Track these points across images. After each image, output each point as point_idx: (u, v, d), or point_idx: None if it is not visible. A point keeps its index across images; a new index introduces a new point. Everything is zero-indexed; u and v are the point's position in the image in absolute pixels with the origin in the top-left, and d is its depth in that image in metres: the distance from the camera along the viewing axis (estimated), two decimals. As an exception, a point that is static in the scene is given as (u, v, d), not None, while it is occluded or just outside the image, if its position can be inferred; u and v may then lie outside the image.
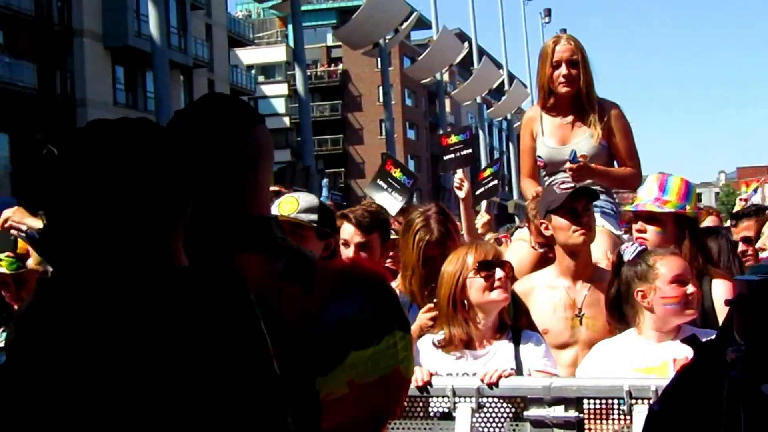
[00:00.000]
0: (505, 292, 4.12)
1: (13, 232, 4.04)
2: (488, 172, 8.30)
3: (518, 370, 3.96)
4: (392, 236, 5.29)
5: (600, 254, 4.78)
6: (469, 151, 7.25)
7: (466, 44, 64.05)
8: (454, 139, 6.98)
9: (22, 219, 3.95)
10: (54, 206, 1.82)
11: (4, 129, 36.65)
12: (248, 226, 2.27)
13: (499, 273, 4.10)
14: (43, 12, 38.91)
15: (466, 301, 4.12)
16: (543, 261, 4.87)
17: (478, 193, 7.97)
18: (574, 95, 5.37)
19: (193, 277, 1.81)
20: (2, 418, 1.63)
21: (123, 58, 42.90)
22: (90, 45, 40.76)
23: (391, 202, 7.05)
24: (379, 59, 55.62)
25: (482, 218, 7.52)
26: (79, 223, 1.78)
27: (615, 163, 5.50)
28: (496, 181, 7.88)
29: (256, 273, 2.02)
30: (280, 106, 67.63)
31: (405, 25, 52.67)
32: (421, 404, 3.82)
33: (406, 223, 4.84)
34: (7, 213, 4.04)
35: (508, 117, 76.44)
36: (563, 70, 5.32)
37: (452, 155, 6.93)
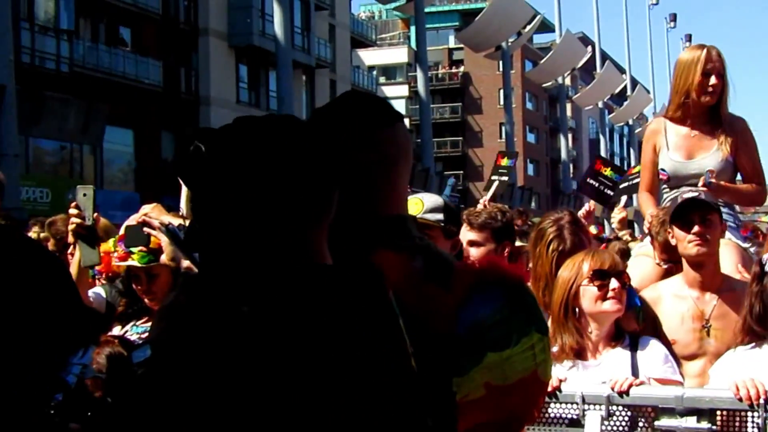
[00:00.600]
0: (618, 304, 4.02)
1: (146, 229, 4.10)
2: (637, 169, 8.24)
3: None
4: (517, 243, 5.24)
5: (731, 267, 4.66)
6: (611, 193, 7.27)
7: (589, 48, 63.54)
8: (608, 172, 7.06)
9: (159, 216, 4.00)
10: (200, 202, 1.83)
11: (129, 125, 37.55)
12: (386, 225, 2.26)
13: (613, 283, 4.01)
14: (169, 10, 39.77)
15: (577, 309, 4.05)
16: (667, 277, 4.78)
17: (622, 186, 7.94)
18: (709, 108, 5.27)
19: (336, 274, 1.80)
20: (150, 412, 1.65)
21: (247, 57, 43.57)
22: (215, 44, 41.52)
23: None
24: (500, 62, 55.52)
25: (619, 214, 7.38)
26: (225, 219, 1.79)
27: (738, 177, 5.41)
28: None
29: (394, 271, 2.00)
30: (400, 107, 67.45)
31: (528, 28, 52.48)
32: (543, 410, 3.77)
33: (537, 233, 4.76)
34: (145, 209, 4.10)
35: (630, 122, 75.54)
36: (713, 80, 5.20)
37: (596, 184, 6.97)
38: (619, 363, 3.96)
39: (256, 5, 42.44)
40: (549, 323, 4.26)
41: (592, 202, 7.57)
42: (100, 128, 34.95)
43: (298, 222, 1.80)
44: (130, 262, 4.33)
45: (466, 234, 4.75)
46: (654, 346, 4.06)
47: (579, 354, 4.03)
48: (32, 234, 7.11)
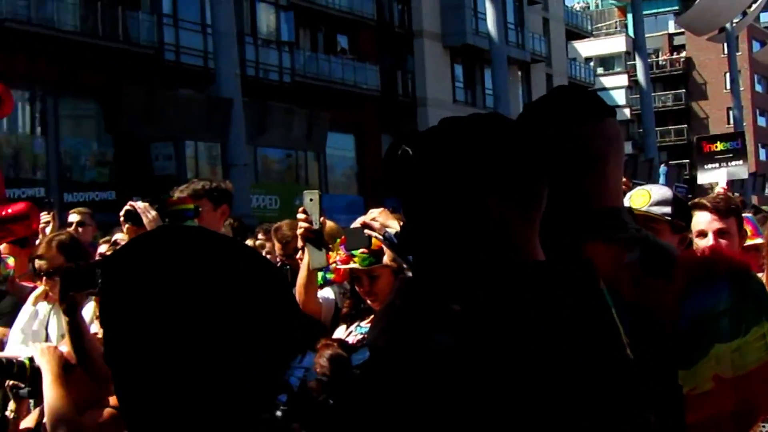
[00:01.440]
0: None
1: (367, 231, 4.15)
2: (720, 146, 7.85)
3: None
4: None
5: None
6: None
7: (821, 23, 60.33)
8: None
9: (385, 220, 4.04)
10: (411, 205, 1.85)
11: (350, 130, 38.42)
12: (598, 218, 2.23)
13: None
14: (384, 15, 40.49)
15: None
16: None
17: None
18: None
19: (546, 271, 1.78)
20: (368, 414, 1.67)
21: (461, 56, 43.80)
22: (430, 45, 41.94)
23: (729, 172, 7.01)
24: (725, 44, 53.62)
25: None
26: (435, 221, 1.80)
27: None
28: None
29: (605, 263, 1.96)
30: (620, 97, 66.57)
31: (754, 6, 50.38)
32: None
33: None
34: (373, 213, 4.15)
35: None
36: None
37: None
38: None
39: (468, 4, 42.60)
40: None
41: None
42: (322, 135, 35.89)
43: (507, 220, 1.79)
44: (351, 265, 4.41)
45: (712, 224, 4.47)
46: None
47: None
48: (259, 241, 7.37)
